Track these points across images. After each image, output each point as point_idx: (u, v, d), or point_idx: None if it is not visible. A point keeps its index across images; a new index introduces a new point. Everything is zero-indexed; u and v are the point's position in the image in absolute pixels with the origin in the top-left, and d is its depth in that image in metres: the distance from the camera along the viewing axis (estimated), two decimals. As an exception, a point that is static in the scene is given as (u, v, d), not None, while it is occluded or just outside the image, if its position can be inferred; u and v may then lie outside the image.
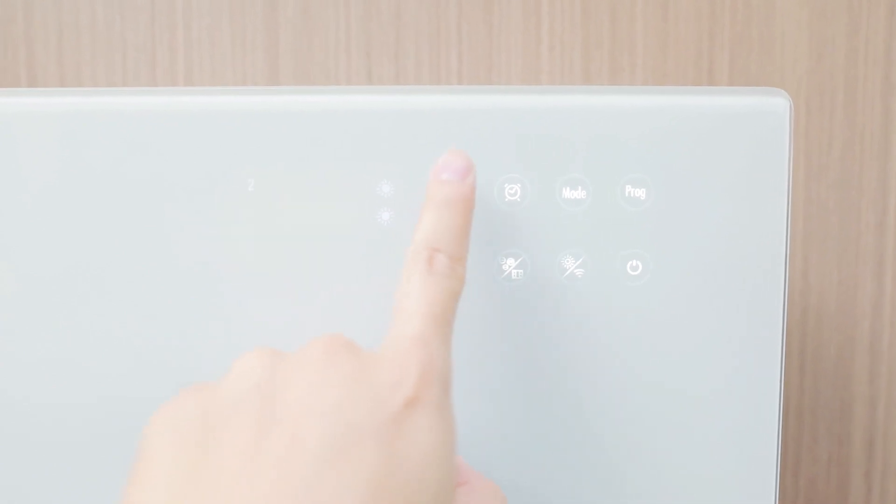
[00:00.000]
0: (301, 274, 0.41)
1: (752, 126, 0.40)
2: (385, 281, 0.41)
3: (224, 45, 0.56)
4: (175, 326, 0.41)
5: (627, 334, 0.41)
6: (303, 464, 0.30)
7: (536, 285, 0.41)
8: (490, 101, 0.40)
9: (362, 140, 0.40)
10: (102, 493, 0.41)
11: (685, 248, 0.41)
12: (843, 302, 0.57)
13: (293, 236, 0.41)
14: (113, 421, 0.41)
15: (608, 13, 0.56)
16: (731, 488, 0.42)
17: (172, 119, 0.40)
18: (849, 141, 0.56)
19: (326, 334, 0.34)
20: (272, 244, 0.41)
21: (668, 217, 0.40)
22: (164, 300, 0.41)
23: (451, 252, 0.36)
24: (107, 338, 0.41)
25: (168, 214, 0.41)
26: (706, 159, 0.40)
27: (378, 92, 0.41)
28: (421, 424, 0.31)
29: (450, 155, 0.39)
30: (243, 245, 0.41)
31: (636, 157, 0.40)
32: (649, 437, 0.41)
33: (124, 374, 0.41)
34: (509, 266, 0.41)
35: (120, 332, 0.41)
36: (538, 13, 0.56)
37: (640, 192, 0.40)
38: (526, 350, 0.41)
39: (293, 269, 0.41)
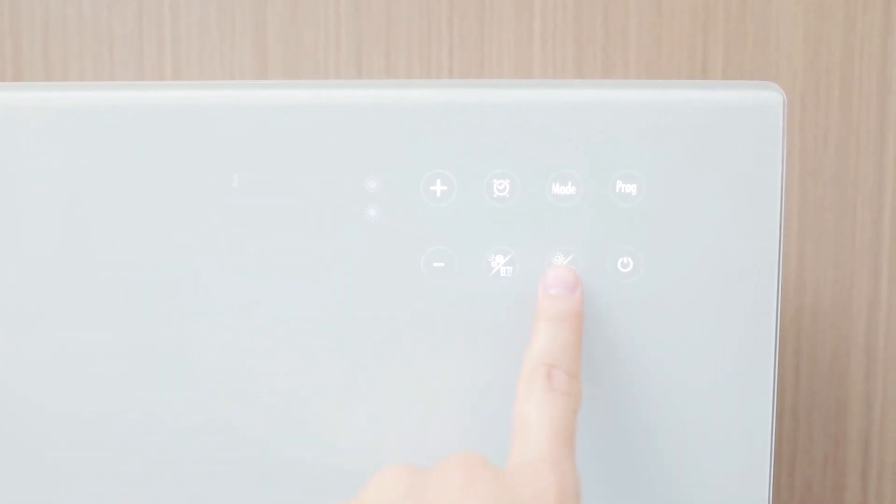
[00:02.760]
0: (288, 270, 0.40)
1: (745, 120, 0.40)
2: (369, 276, 0.40)
3: (212, 39, 0.55)
4: (160, 322, 0.41)
5: (618, 333, 0.41)
6: None
7: (526, 283, 0.40)
8: (479, 94, 0.40)
9: (350, 135, 0.40)
10: (102, 494, 0.41)
11: (677, 244, 0.40)
12: (838, 300, 0.57)
13: (278, 232, 0.40)
14: (112, 420, 0.41)
15: (601, 8, 0.55)
16: (724, 488, 0.41)
17: (158, 113, 0.40)
18: (844, 137, 0.56)
19: (463, 452, 0.35)
20: (257, 240, 0.40)
21: (660, 213, 0.40)
22: (145, 295, 0.41)
23: (567, 368, 0.38)
24: (92, 332, 0.41)
25: (153, 209, 0.40)
26: (698, 154, 0.40)
27: (366, 86, 0.41)
28: None
29: (557, 270, 0.40)
30: (229, 241, 0.40)
31: (627, 152, 0.40)
32: (641, 437, 0.41)
33: (117, 372, 0.41)
34: (498, 263, 0.40)
35: (105, 328, 0.41)
36: (530, 8, 0.55)
37: (632, 188, 0.40)
38: (516, 349, 0.40)
39: (280, 265, 0.40)
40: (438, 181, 0.40)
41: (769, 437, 0.41)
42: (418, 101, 0.40)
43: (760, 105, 0.40)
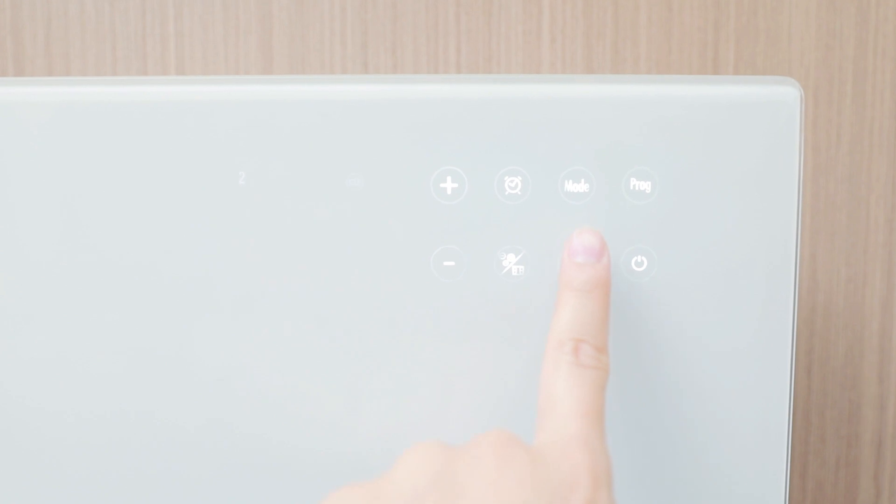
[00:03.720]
0: (296, 269, 0.40)
1: (761, 116, 0.40)
2: (378, 276, 0.40)
3: (216, 35, 0.55)
4: (165, 320, 0.40)
5: (632, 332, 0.40)
6: None
7: (538, 282, 0.40)
8: (490, 90, 0.40)
9: (358, 131, 0.40)
10: (102, 494, 0.41)
11: (692, 242, 0.40)
12: (851, 300, 0.57)
13: (286, 230, 0.40)
14: (112, 419, 0.41)
15: (611, 3, 0.55)
16: (739, 488, 0.41)
17: (163, 109, 0.40)
18: (858, 135, 0.56)
19: (494, 431, 0.34)
20: (264, 238, 0.40)
21: (674, 211, 0.40)
22: (149, 293, 0.40)
23: (595, 341, 0.37)
24: (94, 331, 0.41)
25: (157, 206, 0.40)
26: (713, 151, 0.40)
27: (374, 81, 0.40)
28: None
29: (582, 234, 0.39)
30: (235, 239, 0.40)
31: (641, 149, 0.40)
32: (656, 437, 0.41)
33: (118, 371, 0.41)
34: (510, 262, 0.40)
35: (108, 326, 0.41)
36: (539, 3, 0.55)
37: (646, 185, 0.40)
38: (528, 349, 0.40)
39: (288, 264, 0.40)
40: (449, 178, 0.39)
41: (785, 439, 0.41)
42: (428, 97, 0.39)
43: (777, 100, 0.40)
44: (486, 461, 0.33)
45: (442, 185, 0.40)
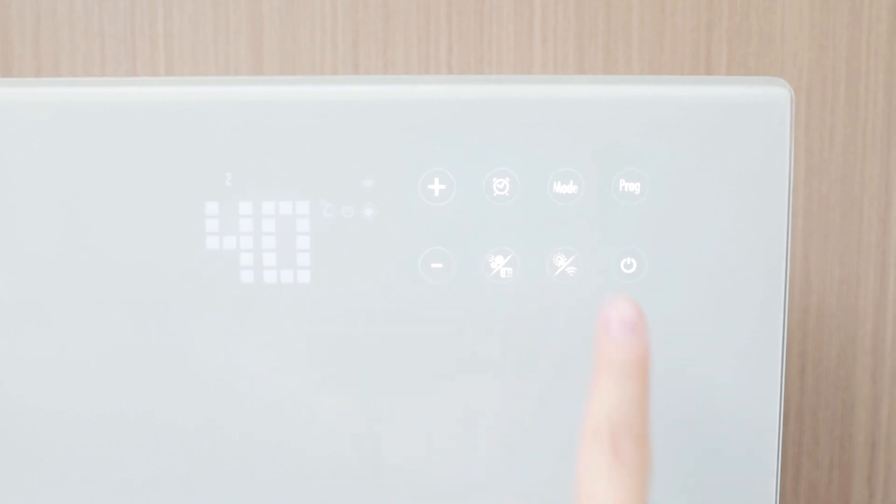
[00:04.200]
0: (282, 271, 0.40)
1: (751, 117, 0.39)
2: (364, 278, 0.40)
3: (206, 36, 0.55)
4: (154, 321, 0.40)
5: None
6: None
7: (526, 284, 0.40)
8: (478, 90, 0.40)
9: (346, 132, 0.39)
10: (101, 494, 0.41)
11: (682, 244, 0.40)
12: (844, 301, 0.57)
13: (272, 232, 0.40)
14: (111, 420, 0.41)
15: (603, 3, 0.55)
16: (730, 491, 0.41)
17: (151, 110, 0.39)
18: (851, 135, 0.56)
19: None
20: (250, 239, 0.40)
21: (664, 212, 0.40)
22: (137, 295, 0.40)
23: (635, 430, 0.34)
24: (84, 334, 0.40)
25: (145, 207, 0.40)
26: (704, 152, 0.39)
27: (362, 82, 0.40)
28: None
29: (620, 306, 0.35)
30: (222, 240, 0.40)
31: (631, 150, 0.39)
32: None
33: (113, 372, 0.40)
34: (498, 264, 0.40)
35: (97, 328, 0.40)
36: (531, 3, 0.55)
37: (635, 187, 0.40)
38: (516, 352, 0.40)
39: (272, 263, 0.40)
40: (436, 179, 0.39)
41: (776, 441, 0.41)
42: (416, 97, 0.39)
43: (768, 101, 0.39)
44: None
45: (430, 186, 0.39)
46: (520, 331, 0.40)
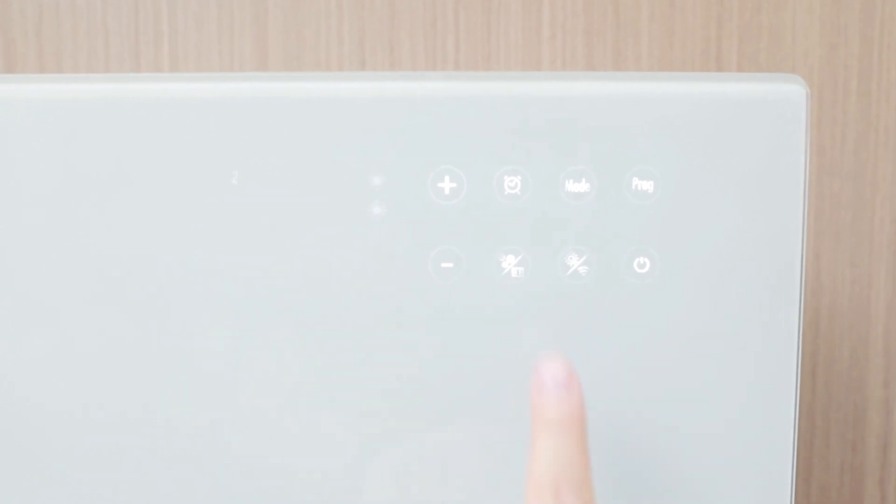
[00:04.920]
0: (289, 271, 0.40)
1: (766, 114, 0.39)
2: (373, 278, 0.40)
3: (210, 33, 0.55)
4: (156, 321, 0.40)
5: (634, 336, 0.40)
6: None
7: (538, 284, 0.39)
8: (489, 88, 0.39)
9: (354, 129, 0.39)
10: (101, 495, 0.41)
11: (695, 244, 0.39)
12: (856, 301, 0.57)
13: (279, 231, 0.39)
14: (110, 421, 0.40)
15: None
16: (744, 494, 0.41)
17: (155, 107, 0.39)
18: (863, 133, 0.56)
19: None
20: (257, 239, 0.40)
21: (678, 211, 0.39)
22: (140, 295, 0.40)
23: (577, 486, 0.35)
24: (83, 333, 0.40)
25: (149, 206, 0.40)
26: (717, 150, 0.39)
27: (370, 78, 0.40)
28: None
29: (548, 364, 0.37)
30: (228, 240, 0.40)
31: (643, 148, 0.39)
32: (659, 444, 0.41)
33: (112, 371, 0.40)
34: (509, 264, 0.40)
35: (97, 327, 0.40)
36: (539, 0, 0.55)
37: (648, 185, 0.39)
38: (527, 352, 0.39)
39: (280, 265, 0.40)
40: (447, 177, 0.39)
41: (791, 443, 0.41)
42: (425, 94, 0.39)
43: (782, 98, 0.39)
44: None
45: (440, 184, 0.39)
46: (530, 330, 0.40)
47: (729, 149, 0.39)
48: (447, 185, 0.39)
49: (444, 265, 0.39)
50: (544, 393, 0.37)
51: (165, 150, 0.39)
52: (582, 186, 0.39)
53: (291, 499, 0.41)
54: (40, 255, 0.40)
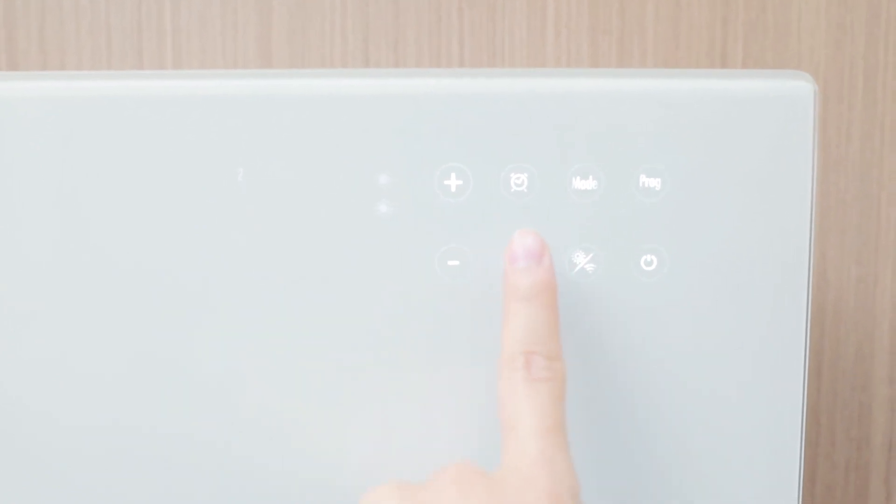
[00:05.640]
0: (294, 270, 0.39)
1: (774, 111, 0.39)
2: (380, 276, 0.39)
3: (214, 30, 0.55)
4: (161, 320, 0.40)
5: (642, 333, 0.40)
6: None
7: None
8: (495, 84, 0.39)
9: (360, 127, 0.39)
10: (102, 498, 0.41)
11: (703, 241, 0.39)
12: (862, 299, 0.57)
13: (284, 230, 0.39)
14: (109, 423, 0.40)
15: (617, -3, 0.55)
16: (752, 492, 0.41)
17: (160, 104, 0.39)
18: (868, 131, 0.56)
19: (455, 465, 0.34)
20: (262, 238, 0.39)
21: (685, 209, 0.39)
22: (145, 293, 0.40)
23: (546, 351, 0.36)
24: (88, 333, 0.40)
25: (154, 204, 0.39)
26: (725, 147, 0.39)
27: (376, 75, 0.40)
28: None
29: (520, 237, 0.38)
30: (233, 238, 0.39)
31: (651, 145, 0.39)
32: (666, 442, 0.41)
33: (116, 373, 0.40)
34: (516, 261, 0.39)
35: (102, 327, 0.40)
36: (544, -3, 0.55)
37: (656, 182, 0.39)
38: None
39: (286, 264, 0.39)
40: (453, 175, 0.39)
41: (799, 442, 0.40)
42: (431, 92, 0.39)
43: (790, 95, 0.39)
44: (446, 496, 0.33)
45: (446, 182, 0.39)
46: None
47: (737, 146, 0.39)
48: (453, 182, 0.39)
49: (450, 263, 0.39)
50: (516, 264, 0.38)
51: (169, 148, 0.39)
52: (589, 184, 0.39)
53: (295, 501, 0.41)
54: (44, 253, 0.39)
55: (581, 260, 0.39)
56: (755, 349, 0.40)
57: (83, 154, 0.39)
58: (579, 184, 0.39)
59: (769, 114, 0.39)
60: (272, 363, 0.40)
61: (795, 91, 0.39)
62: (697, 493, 0.41)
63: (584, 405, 0.40)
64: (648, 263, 0.39)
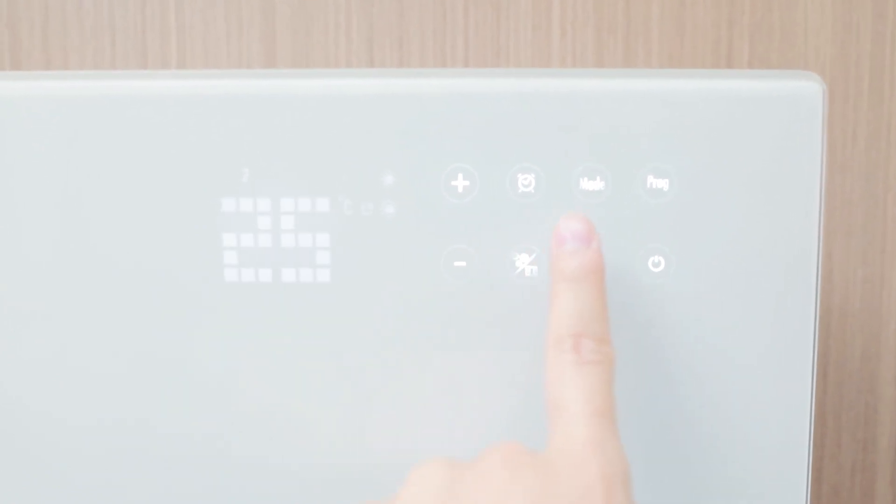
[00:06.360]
0: (298, 268, 0.39)
1: (782, 112, 0.39)
2: (385, 277, 0.39)
3: (218, 29, 0.55)
4: (163, 320, 0.40)
5: (649, 334, 0.40)
6: None
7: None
8: (501, 84, 0.39)
9: (365, 127, 0.39)
10: (101, 497, 0.41)
11: (711, 242, 0.39)
12: (868, 300, 0.56)
13: (291, 230, 0.39)
14: (110, 422, 0.40)
15: (622, -4, 0.55)
16: (759, 492, 0.41)
17: (164, 104, 0.39)
18: (875, 131, 0.55)
19: (503, 444, 0.34)
20: (266, 238, 0.39)
21: (693, 210, 0.39)
22: (149, 293, 0.40)
23: (595, 333, 0.36)
24: (90, 333, 0.40)
25: (157, 204, 0.39)
26: (733, 148, 0.39)
27: (382, 75, 0.40)
28: None
29: (568, 220, 0.38)
30: (236, 237, 0.39)
31: (658, 146, 0.39)
32: (673, 444, 0.40)
33: (117, 373, 0.40)
34: (523, 262, 0.39)
35: (104, 326, 0.40)
36: (549, -4, 0.55)
37: (663, 183, 0.39)
38: (541, 353, 0.39)
39: (287, 263, 0.39)
40: (460, 175, 0.39)
41: (807, 443, 0.40)
42: (437, 92, 0.39)
43: (798, 95, 0.39)
44: (495, 476, 0.32)
45: (453, 182, 0.39)
46: (545, 329, 0.39)
47: (744, 146, 0.39)
48: (460, 183, 0.39)
49: (456, 264, 0.39)
50: (564, 246, 0.37)
51: (173, 148, 0.39)
52: (596, 184, 0.39)
53: (294, 499, 0.41)
54: (46, 252, 0.39)
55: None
56: (763, 350, 0.40)
57: (86, 154, 0.39)
58: (586, 184, 0.39)
59: (777, 114, 0.39)
60: (275, 365, 0.40)
61: (803, 91, 0.39)
62: (706, 494, 0.41)
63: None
64: (656, 264, 0.39)
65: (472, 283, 0.39)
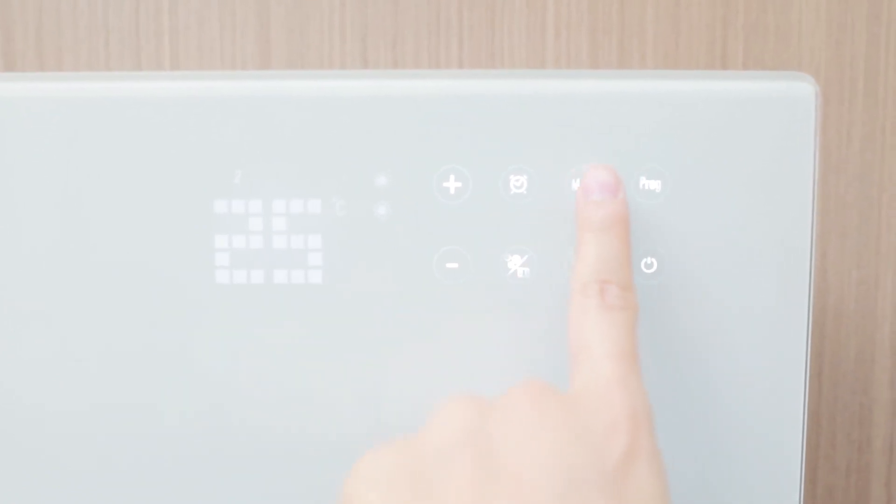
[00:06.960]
0: (293, 269, 0.39)
1: (775, 113, 0.39)
2: (378, 278, 0.39)
3: (212, 31, 0.55)
4: (160, 319, 0.40)
5: (642, 336, 0.39)
6: None
7: (544, 284, 0.39)
8: (494, 86, 0.39)
9: (358, 128, 0.39)
10: (103, 493, 0.41)
11: (703, 243, 0.39)
12: (862, 302, 0.56)
13: (284, 232, 0.39)
14: (112, 417, 0.40)
15: (617, -3, 0.55)
16: (752, 494, 0.41)
17: (157, 105, 0.39)
18: (869, 133, 0.55)
19: (527, 380, 0.34)
20: (261, 239, 0.39)
21: (685, 211, 0.39)
22: (143, 294, 0.40)
23: (620, 281, 0.36)
24: (86, 333, 0.40)
25: (151, 206, 0.39)
26: (726, 149, 0.39)
27: (374, 76, 0.40)
28: (641, 473, 0.32)
29: (595, 170, 0.38)
30: (232, 238, 0.39)
31: (650, 147, 0.39)
32: (667, 445, 0.40)
33: (116, 370, 0.40)
34: (515, 264, 0.39)
35: (100, 326, 0.40)
36: (543, -3, 0.55)
37: (655, 185, 0.39)
38: (534, 353, 0.39)
39: (284, 263, 0.39)
40: (452, 177, 0.39)
41: (800, 444, 0.40)
42: (430, 93, 0.39)
43: (792, 96, 0.39)
44: (521, 412, 0.32)
45: (445, 184, 0.39)
46: (537, 332, 0.39)
47: (737, 147, 0.39)
48: (452, 184, 0.39)
49: (449, 265, 0.39)
50: (591, 196, 0.38)
51: (167, 149, 0.39)
52: (589, 186, 0.39)
53: (292, 495, 0.41)
54: (43, 253, 0.39)
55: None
56: (756, 351, 0.40)
57: (79, 155, 0.39)
58: (579, 186, 0.39)
59: (770, 115, 0.39)
60: (267, 366, 0.40)
61: (797, 92, 0.39)
62: (699, 495, 0.40)
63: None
64: (648, 266, 0.39)
65: (465, 284, 0.39)
